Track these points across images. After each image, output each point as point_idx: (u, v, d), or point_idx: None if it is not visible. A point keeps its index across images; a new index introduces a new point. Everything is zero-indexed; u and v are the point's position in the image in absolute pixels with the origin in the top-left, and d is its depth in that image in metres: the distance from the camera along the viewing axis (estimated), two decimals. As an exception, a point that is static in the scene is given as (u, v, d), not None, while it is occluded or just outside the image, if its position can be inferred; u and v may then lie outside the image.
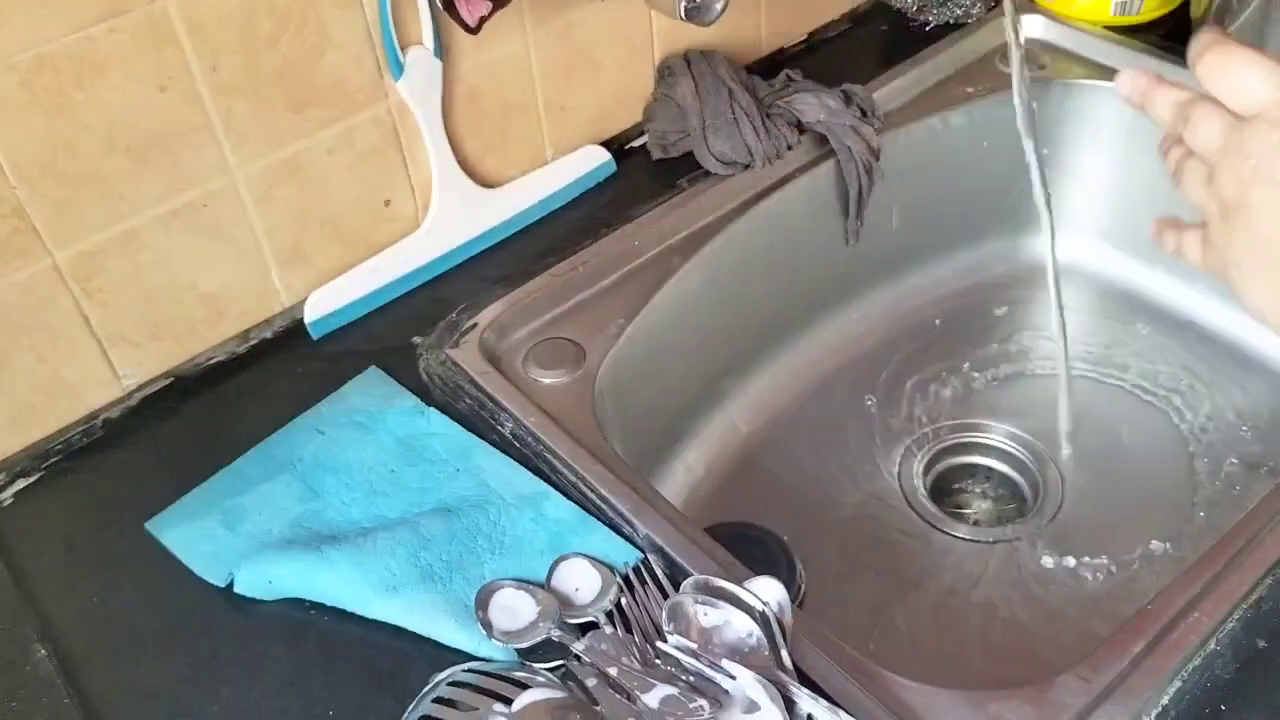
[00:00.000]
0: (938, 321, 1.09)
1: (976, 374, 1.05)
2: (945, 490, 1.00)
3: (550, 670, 0.63)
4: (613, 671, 0.60)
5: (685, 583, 0.63)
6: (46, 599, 0.70)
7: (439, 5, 0.79)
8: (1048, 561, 0.90)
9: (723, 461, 1.00)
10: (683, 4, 0.80)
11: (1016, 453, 0.99)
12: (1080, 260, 1.11)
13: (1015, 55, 0.82)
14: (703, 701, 0.57)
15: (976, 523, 0.96)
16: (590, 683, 0.60)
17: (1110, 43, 1.07)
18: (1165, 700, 0.61)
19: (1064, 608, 0.87)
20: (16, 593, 0.71)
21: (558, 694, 0.59)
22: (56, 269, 0.74)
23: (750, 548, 0.89)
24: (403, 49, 0.82)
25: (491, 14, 0.80)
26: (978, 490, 1.00)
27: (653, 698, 0.58)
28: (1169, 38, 1.06)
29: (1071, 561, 0.90)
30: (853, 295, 1.07)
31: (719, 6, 0.81)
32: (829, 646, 0.64)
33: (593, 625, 0.65)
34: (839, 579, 0.92)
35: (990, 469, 1.01)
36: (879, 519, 0.95)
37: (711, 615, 0.61)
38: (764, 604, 0.61)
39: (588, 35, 0.93)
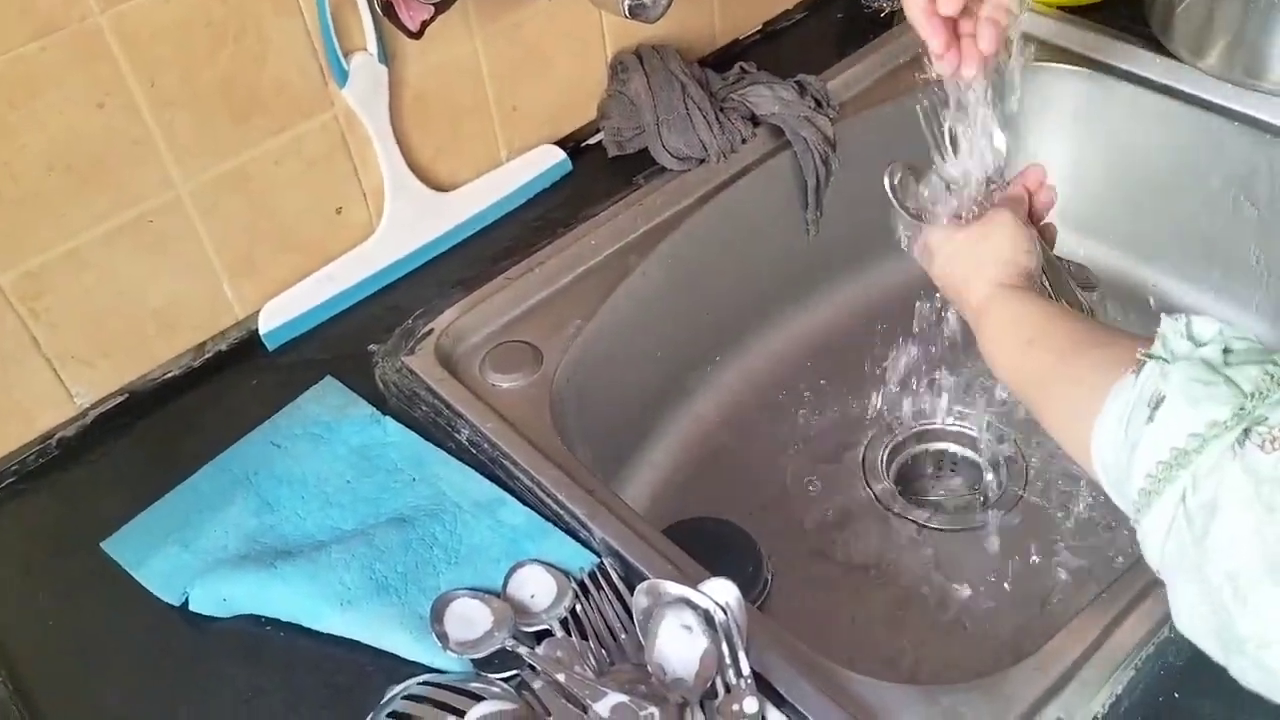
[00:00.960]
0: (899, 309, 1.08)
1: (940, 362, 1.04)
2: (910, 478, 1.00)
3: (505, 679, 0.63)
4: (563, 679, 0.60)
5: (638, 587, 0.63)
6: (2, 622, 0.70)
7: (380, 11, 0.79)
8: (1008, 551, 0.91)
9: (688, 457, 1.00)
10: (626, 2, 0.80)
11: (982, 440, 0.99)
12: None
13: None
14: (653, 709, 0.57)
15: (940, 511, 0.96)
16: (541, 690, 0.60)
17: (1063, 23, 1.06)
18: (1119, 689, 0.61)
19: (1024, 597, 0.88)
20: (-29, 618, 0.70)
21: (510, 705, 0.59)
22: (0, 291, 0.73)
23: (717, 543, 0.89)
24: (346, 56, 0.81)
25: (434, 18, 0.80)
26: (942, 478, 1.00)
27: (604, 706, 0.58)
28: (1120, 18, 1.06)
29: (1033, 550, 0.90)
30: (814, 286, 1.07)
31: (664, 4, 0.80)
32: (785, 645, 0.64)
33: (548, 633, 0.65)
34: (804, 571, 0.92)
35: (955, 456, 1.01)
36: (844, 509, 0.95)
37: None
38: (716, 604, 0.61)
39: (536, 34, 0.93)
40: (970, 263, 0.70)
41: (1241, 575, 0.42)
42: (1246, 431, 0.43)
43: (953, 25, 0.70)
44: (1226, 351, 0.47)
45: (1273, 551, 0.41)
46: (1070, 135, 1.07)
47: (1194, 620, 0.46)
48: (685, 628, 0.60)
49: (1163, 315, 0.49)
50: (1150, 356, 0.48)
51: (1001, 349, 0.65)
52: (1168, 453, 0.45)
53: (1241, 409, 0.43)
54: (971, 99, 0.73)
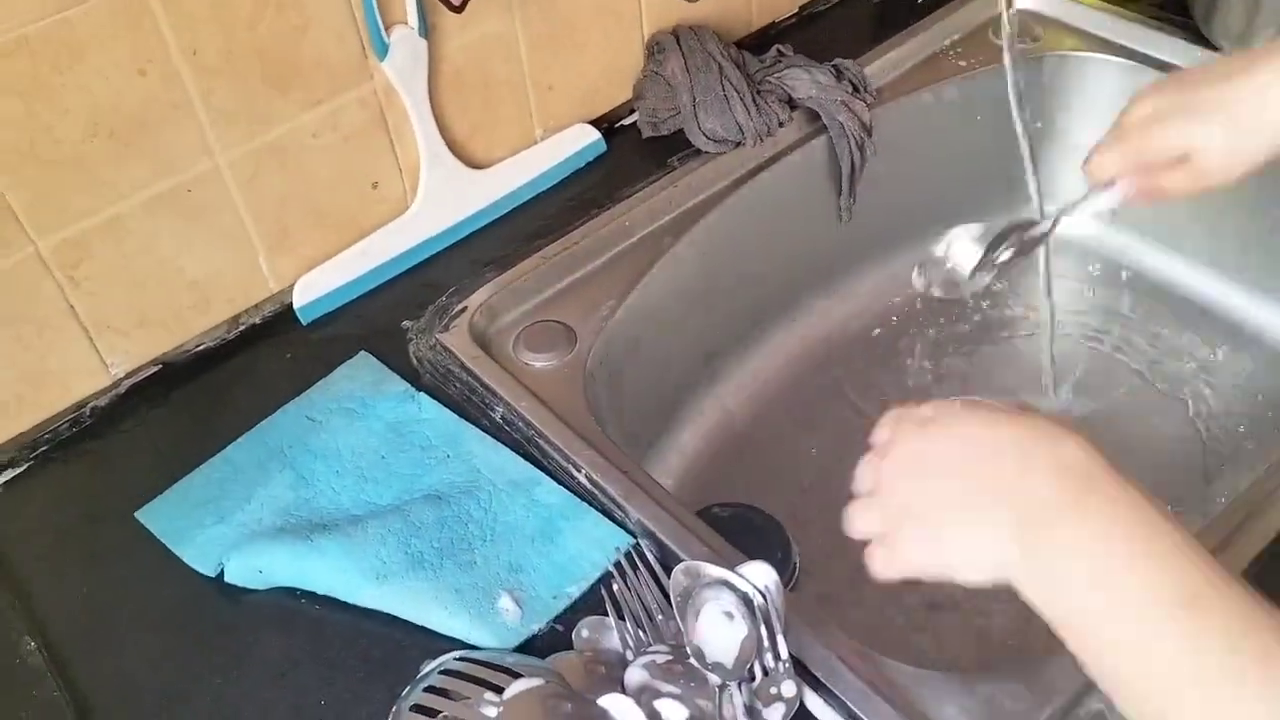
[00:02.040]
0: (933, 299, 1.08)
1: (971, 346, 1.04)
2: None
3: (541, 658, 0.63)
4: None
5: (676, 568, 0.63)
6: (36, 591, 0.70)
7: (423, -16, 0.78)
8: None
9: (717, 441, 0.99)
10: (670, -21, 0.79)
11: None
12: (1074, 233, 1.10)
13: (1007, 28, 0.81)
14: (674, 689, 0.56)
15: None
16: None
17: (1103, 13, 1.06)
18: (1159, 681, 0.60)
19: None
20: (5, 585, 0.70)
21: (548, 682, 0.59)
22: (40, 257, 0.73)
23: (745, 529, 0.89)
24: (387, 28, 0.80)
25: (476, -8, 0.79)
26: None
27: (633, 682, 0.57)
28: (1161, 8, 1.05)
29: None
30: (846, 272, 1.06)
31: (707, -19, 0.80)
32: (822, 630, 0.64)
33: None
34: (833, 559, 0.91)
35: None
36: (873, 497, 0.95)
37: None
38: (755, 589, 0.61)
39: (575, 12, 0.92)
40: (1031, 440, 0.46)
41: None
42: None
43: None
44: None
45: None
46: (1107, 126, 1.06)
47: None
48: (726, 613, 0.60)
49: None
50: None
51: (1101, 585, 0.42)
52: None
53: None
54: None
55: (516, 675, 0.60)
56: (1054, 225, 0.75)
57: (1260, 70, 0.61)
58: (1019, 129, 0.82)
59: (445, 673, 0.62)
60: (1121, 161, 0.66)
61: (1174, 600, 0.39)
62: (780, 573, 0.86)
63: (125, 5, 0.69)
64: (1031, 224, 0.76)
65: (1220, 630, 0.39)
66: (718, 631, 0.60)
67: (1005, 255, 0.74)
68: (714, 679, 0.59)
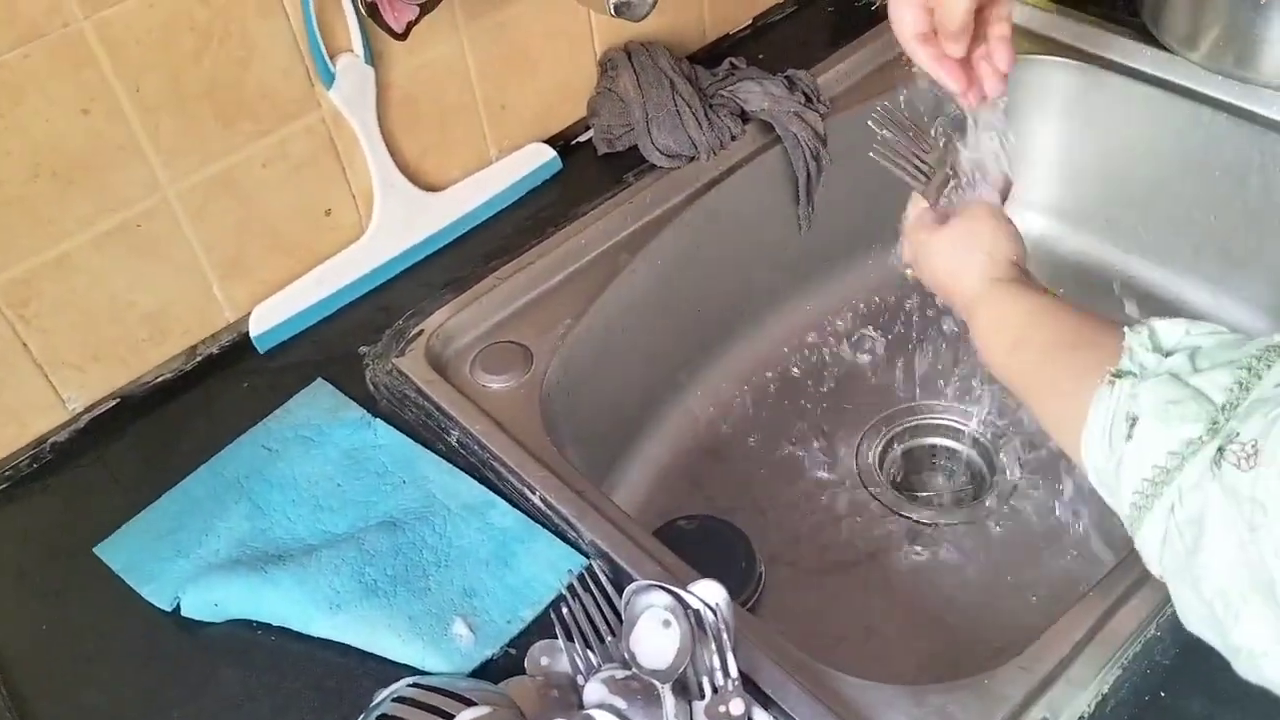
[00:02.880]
0: (892, 305, 1.09)
1: (934, 357, 1.05)
2: (904, 474, 1.00)
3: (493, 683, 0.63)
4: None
5: (628, 588, 0.63)
6: (-5, 629, 0.71)
7: (364, 12, 0.79)
8: (999, 548, 0.91)
9: (682, 454, 1.00)
10: (612, 1, 0.80)
11: (976, 435, 0.99)
12: (1033, 236, 1.11)
13: None
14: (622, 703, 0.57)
15: (933, 504, 0.96)
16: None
17: (1053, 15, 1.06)
18: (1105, 688, 0.61)
19: (1014, 595, 0.88)
20: (-36, 623, 0.71)
21: (501, 709, 0.60)
22: (-11, 297, 0.74)
23: (710, 540, 0.90)
24: (332, 57, 0.81)
25: (419, 18, 0.80)
26: (936, 474, 1.00)
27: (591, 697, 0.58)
28: (1112, 9, 1.05)
29: (1024, 548, 0.90)
30: (805, 281, 1.07)
31: (649, 3, 0.80)
32: (774, 646, 0.64)
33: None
34: (798, 568, 0.92)
35: (950, 449, 1.01)
36: (837, 506, 0.96)
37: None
38: (705, 606, 0.61)
39: (524, 32, 0.93)
40: (957, 259, 0.70)
41: (1231, 591, 0.43)
42: (1221, 449, 0.43)
43: (965, 59, 0.70)
44: (1195, 355, 0.47)
45: (1257, 570, 0.41)
46: (1061, 127, 1.07)
47: (1198, 624, 0.46)
48: (663, 621, 0.60)
49: (1125, 329, 0.49)
50: (1119, 375, 0.48)
51: (989, 350, 0.65)
52: (1150, 470, 0.45)
53: (1214, 423, 0.43)
54: (985, 114, 0.73)
55: (469, 701, 0.61)
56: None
57: None
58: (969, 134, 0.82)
59: (399, 700, 0.62)
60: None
61: (1006, 346, 0.62)
62: (745, 583, 0.87)
63: (65, 47, 0.69)
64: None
65: (1037, 355, 0.59)
66: (654, 638, 0.60)
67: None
68: (658, 689, 0.59)
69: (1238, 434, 0.42)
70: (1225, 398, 0.44)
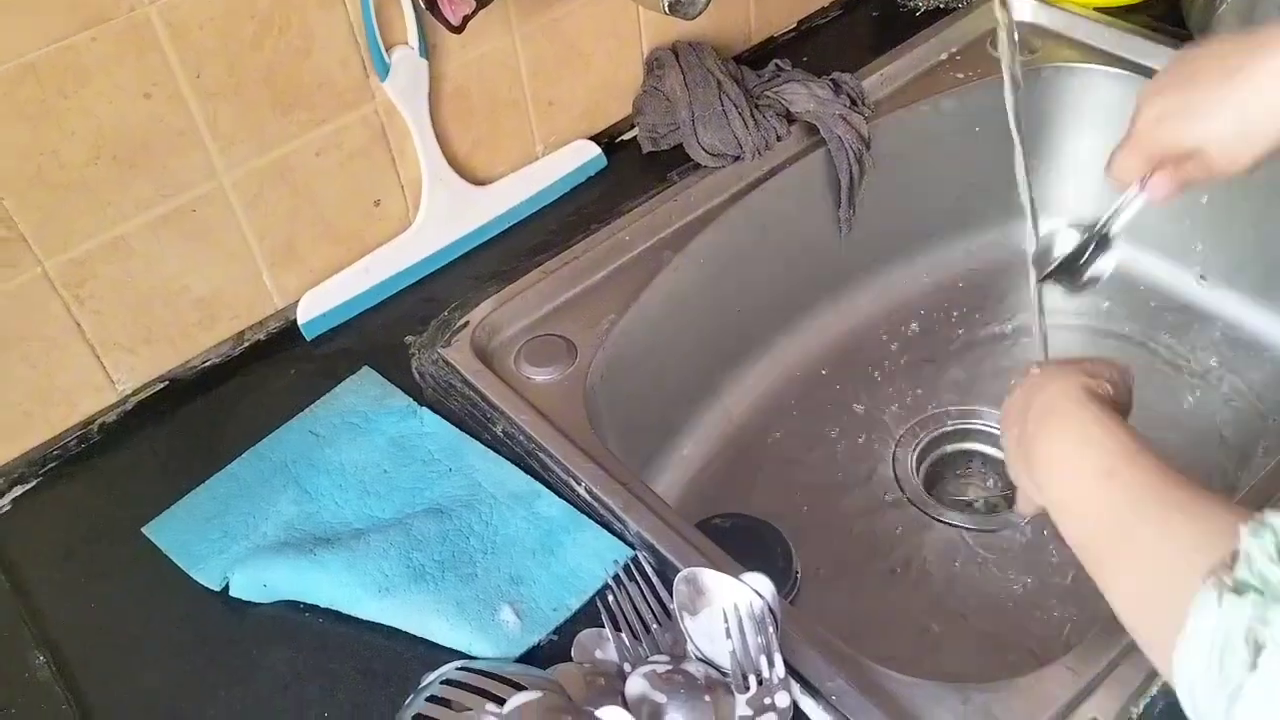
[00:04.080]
0: (931, 309, 1.09)
1: (971, 360, 1.05)
2: (941, 477, 1.00)
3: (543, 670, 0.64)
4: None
5: (677, 576, 0.63)
6: (44, 606, 0.71)
7: (422, 5, 0.79)
8: (1037, 549, 0.90)
9: (719, 453, 1.00)
10: (666, -1, 0.80)
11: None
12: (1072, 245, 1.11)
13: (1004, 40, 0.82)
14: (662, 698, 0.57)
15: (971, 509, 0.96)
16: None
17: (1100, 25, 1.06)
18: (1154, 690, 0.61)
19: (1058, 596, 0.88)
20: (14, 600, 0.71)
21: (549, 694, 0.60)
22: (47, 277, 0.74)
23: (746, 539, 0.90)
24: (388, 49, 0.82)
25: (475, 12, 0.80)
26: (973, 477, 1.00)
27: (634, 691, 0.58)
28: (1158, 19, 1.05)
29: (1063, 548, 0.90)
30: (845, 284, 1.07)
31: (702, 1, 0.81)
32: (818, 640, 0.64)
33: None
34: (834, 569, 0.92)
35: (985, 455, 1.01)
36: (874, 507, 0.96)
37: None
38: (752, 599, 0.62)
39: (575, 29, 0.93)
40: (1051, 381, 0.60)
41: None
42: None
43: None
44: None
45: None
46: (1105, 137, 1.06)
47: None
48: (723, 621, 0.61)
49: (1241, 528, 0.42)
50: (1238, 589, 0.41)
51: (1068, 472, 0.56)
52: None
53: None
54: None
55: (517, 685, 0.61)
56: (1107, 225, 0.76)
57: (1260, 63, 0.64)
58: (1017, 144, 0.83)
59: (446, 683, 0.63)
60: (1140, 163, 0.70)
61: (1096, 473, 0.53)
62: (781, 582, 0.87)
63: (131, 30, 0.70)
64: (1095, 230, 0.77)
65: (1130, 495, 0.51)
66: (714, 639, 0.61)
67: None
68: (710, 687, 0.59)
69: None
70: None
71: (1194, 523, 0.46)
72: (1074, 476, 0.55)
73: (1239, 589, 0.41)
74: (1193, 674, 0.43)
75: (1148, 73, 1.03)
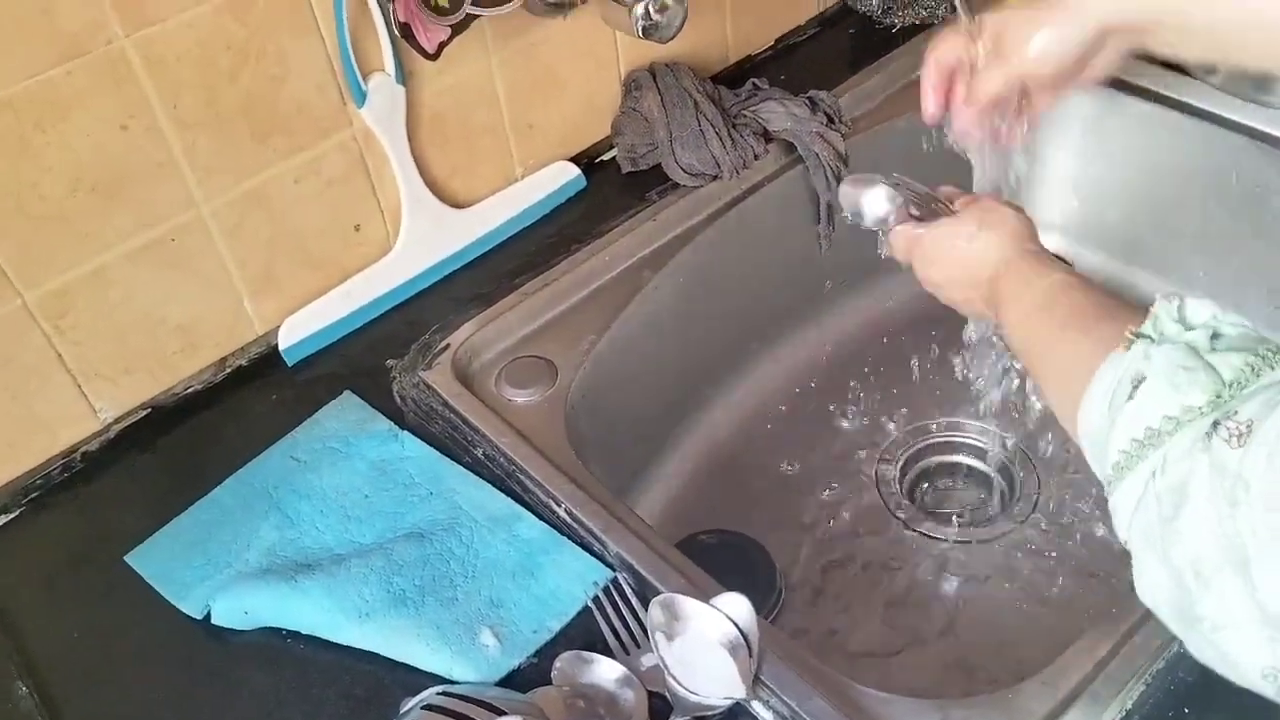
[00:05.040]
0: (911, 323, 1.09)
1: (954, 374, 1.05)
2: (924, 490, 1.00)
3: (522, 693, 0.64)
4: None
5: (653, 601, 0.64)
6: (27, 635, 0.71)
7: (398, 33, 0.80)
8: (1021, 564, 0.91)
9: (702, 470, 1.00)
10: (640, 23, 0.81)
11: (994, 452, 1.00)
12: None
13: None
14: None
15: (954, 522, 0.97)
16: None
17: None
18: (1129, 704, 0.61)
19: (1038, 611, 0.88)
20: (-2, 630, 0.72)
21: (530, 718, 0.60)
22: (26, 309, 0.75)
23: (731, 556, 0.90)
24: (364, 76, 0.82)
25: (451, 39, 0.81)
26: (956, 490, 1.01)
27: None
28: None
29: (1045, 563, 0.90)
30: (826, 301, 1.08)
31: (676, 24, 0.81)
32: (797, 659, 0.65)
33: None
34: (818, 583, 0.92)
35: (970, 468, 1.01)
36: (858, 522, 0.96)
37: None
38: (730, 620, 0.62)
39: (552, 53, 0.94)
40: (978, 238, 0.69)
41: (1204, 561, 0.44)
42: (1216, 423, 0.44)
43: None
44: (1215, 337, 0.47)
45: (1233, 544, 0.42)
46: (1080, 149, 1.08)
47: (1155, 593, 0.47)
48: (704, 644, 0.61)
49: (1158, 295, 0.49)
50: (1139, 336, 0.49)
51: (1009, 315, 0.64)
52: (1142, 431, 0.46)
53: (1217, 396, 0.44)
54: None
55: (497, 710, 0.61)
56: None
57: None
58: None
59: (427, 708, 0.63)
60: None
61: (1033, 307, 0.61)
62: (765, 599, 0.88)
63: (107, 63, 0.71)
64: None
65: (1060, 317, 0.59)
66: (694, 662, 0.61)
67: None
68: (689, 709, 0.60)
69: (1236, 412, 0.43)
70: (1234, 376, 0.45)
71: (1120, 324, 0.51)
72: (1012, 313, 0.64)
73: (1140, 337, 0.49)
74: (1090, 418, 0.50)
75: (1122, 85, 1.04)
